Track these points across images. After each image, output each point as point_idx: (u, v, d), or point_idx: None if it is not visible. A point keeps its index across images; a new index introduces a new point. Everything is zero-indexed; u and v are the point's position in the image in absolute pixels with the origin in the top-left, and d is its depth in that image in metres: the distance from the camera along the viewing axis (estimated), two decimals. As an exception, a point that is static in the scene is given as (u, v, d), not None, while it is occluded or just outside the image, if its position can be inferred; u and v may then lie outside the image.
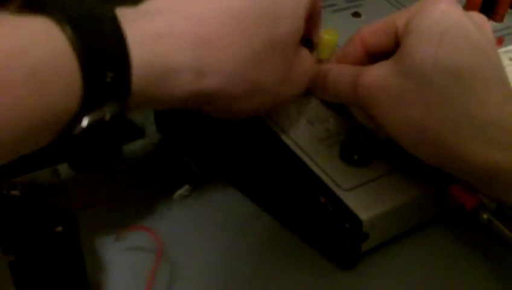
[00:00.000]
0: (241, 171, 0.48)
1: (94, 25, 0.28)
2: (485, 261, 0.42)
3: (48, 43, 0.26)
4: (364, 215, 0.38)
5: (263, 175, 0.45)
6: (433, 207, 0.43)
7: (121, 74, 0.28)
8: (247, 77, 0.34)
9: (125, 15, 0.29)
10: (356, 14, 0.54)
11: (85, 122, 0.28)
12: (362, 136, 0.41)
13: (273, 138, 0.42)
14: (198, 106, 0.35)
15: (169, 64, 0.30)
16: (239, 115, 0.37)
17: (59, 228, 0.32)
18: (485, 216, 0.38)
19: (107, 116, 0.28)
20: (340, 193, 0.39)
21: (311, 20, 0.40)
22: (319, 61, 0.43)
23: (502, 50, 0.53)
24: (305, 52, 0.39)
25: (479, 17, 0.38)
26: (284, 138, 0.42)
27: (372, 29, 0.40)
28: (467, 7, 0.53)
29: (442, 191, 0.40)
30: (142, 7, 0.32)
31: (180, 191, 0.46)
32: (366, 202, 0.39)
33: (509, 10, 0.58)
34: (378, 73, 0.37)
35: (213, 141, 0.49)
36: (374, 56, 0.40)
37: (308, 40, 0.42)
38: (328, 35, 0.44)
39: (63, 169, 0.36)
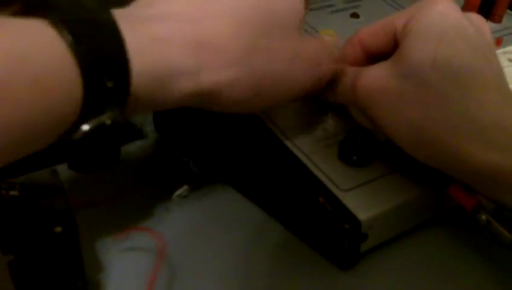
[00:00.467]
0: (240, 171, 0.48)
1: (94, 32, 0.28)
2: (484, 261, 0.42)
3: (49, 50, 0.26)
4: (363, 215, 0.38)
5: (262, 175, 0.45)
6: (432, 208, 0.43)
7: (121, 81, 0.28)
8: (253, 65, 0.33)
9: (123, 18, 0.29)
10: (354, 15, 0.54)
11: (86, 127, 0.28)
12: (361, 136, 0.41)
13: (271, 138, 0.42)
14: (202, 104, 0.34)
15: (169, 68, 0.30)
16: (252, 109, 0.37)
17: (58, 229, 0.32)
18: (483, 217, 0.38)
19: (107, 122, 0.28)
20: (338, 193, 0.39)
21: None
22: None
23: (500, 51, 0.53)
24: (314, 38, 0.39)
25: (477, 18, 0.38)
26: (282, 138, 0.42)
27: (371, 30, 0.40)
28: (465, 8, 0.53)
29: (441, 192, 0.40)
30: (139, 10, 0.31)
31: (178, 192, 0.46)
32: (364, 202, 0.39)
33: (508, 11, 0.58)
34: (376, 74, 0.37)
35: (211, 141, 0.49)
36: (373, 57, 0.40)
37: None
38: (326, 36, 0.44)
39: (62, 169, 0.36)
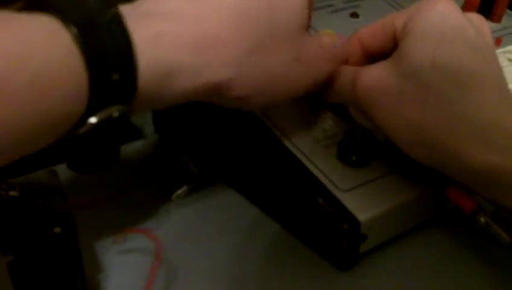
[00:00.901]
0: (239, 172, 0.48)
1: (100, 26, 0.27)
2: (483, 262, 0.42)
3: (55, 45, 0.26)
4: (362, 216, 0.38)
5: (261, 176, 0.45)
6: (432, 208, 0.43)
7: (127, 76, 0.28)
8: (245, 71, 0.34)
9: (130, 14, 0.29)
10: (354, 15, 0.54)
11: (93, 120, 0.28)
12: (360, 136, 0.41)
13: (270, 138, 0.42)
14: (203, 98, 0.34)
15: (172, 65, 0.30)
16: (253, 106, 0.37)
17: (57, 229, 0.32)
18: (482, 219, 0.38)
19: (115, 114, 0.28)
20: (338, 193, 0.39)
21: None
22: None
23: (499, 51, 0.53)
24: (315, 38, 0.39)
25: (477, 19, 0.38)
26: (281, 138, 0.42)
27: (371, 30, 0.40)
28: (465, 8, 0.53)
29: (440, 194, 0.40)
30: (143, 7, 0.31)
31: (178, 192, 0.46)
32: (364, 202, 0.39)
33: (507, 11, 0.58)
34: (376, 73, 0.37)
35: (211, 142, 0.49)
36: (372, 57, 0.40)
37: None
38: (325, 36, 0.44)
39: (61, 170, 0.36)
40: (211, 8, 0.33)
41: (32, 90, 0.25)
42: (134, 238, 0.41)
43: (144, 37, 0.29)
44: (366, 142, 0.41)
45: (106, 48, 0.27)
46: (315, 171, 0.40)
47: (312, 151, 0.42)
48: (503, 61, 0.52)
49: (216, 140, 0.48)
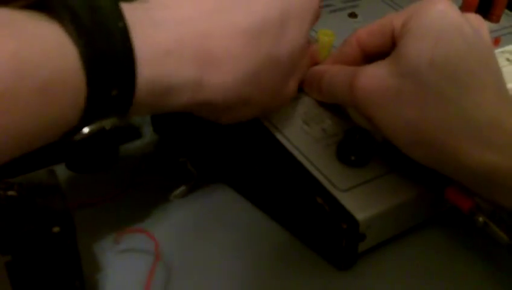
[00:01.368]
0: (238, 171, 0.48)
1: (105, 39, 0.27)
2: (482, 262, 0.42)
3: (60, 58, 0.26)
4: (360, 215, 0.39)
5: (260, 176, 0.45)
6: (430, 208, 0.43)
7: (126, 92, 0.29)
8: (243, 93, 0.35)
9: (140, 21, 0.29)
10: (353, 15, 0.54)
11: (85, 130, 0.28)
12: (359, 136, 0.41)
13: (269, 138, 0.42)
14: (196, 112, 0.35)
15: (173, 81, 0.31)
16: (233, 120, 0.38)
17: (56, 229, 0.32)
18: (480, 219, 0.38)
19: (107, 127, 0.29)
20: (336, 193, 0.39)
21: None
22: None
23: (498, 50, 0.53)
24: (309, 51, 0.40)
25: (476, 19, 0.38)
26: (280, 138, 0.42)
27: (369, 29, 0.40)
28: (464, 8, 0.53)
29: (438, 194, 0.40)
30: (153, 12, 0.31)
31: (176, 192, 0.46)
32: (362, 202, 0.39)
33: (506, 11, 0.58)
34: (374, 73, 0.37)
35: (209, 141, 0.49)
36: (371, 57, 0.40)
37: None
38: (324, 36, 0.44)
39: (60, 169, 0.36)
40: (218, 24, 0.33)
41: (38, 99, 0.25)
42: (132, 238, 0.41)
43: (148, 52, 0.29)
44: (365, 142, 0.41)
45: (109, 67, 0.27)
46: (314, 171, 0.40)
47: (311, 151, 0.42)
48: (501, 61, 0.52)
49: (214, 140, 0.48)
